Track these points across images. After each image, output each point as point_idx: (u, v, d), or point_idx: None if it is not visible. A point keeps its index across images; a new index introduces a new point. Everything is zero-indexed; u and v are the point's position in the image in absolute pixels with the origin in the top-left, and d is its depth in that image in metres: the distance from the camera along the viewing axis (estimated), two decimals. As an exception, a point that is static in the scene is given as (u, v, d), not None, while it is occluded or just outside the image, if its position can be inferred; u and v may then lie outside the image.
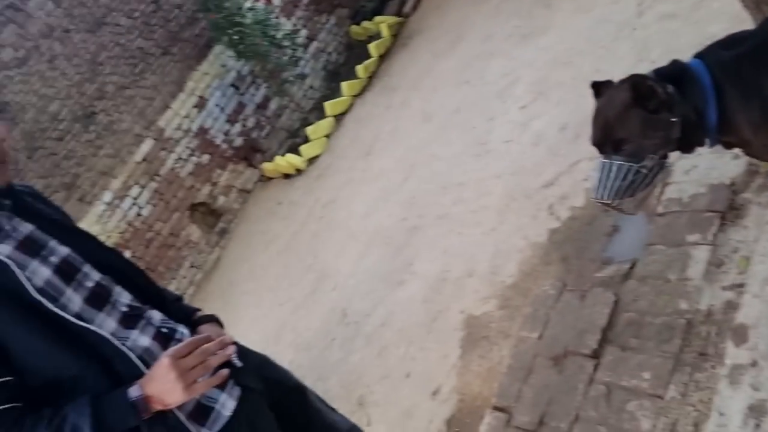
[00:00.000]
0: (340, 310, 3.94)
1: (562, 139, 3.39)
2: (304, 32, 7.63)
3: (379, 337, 3.40)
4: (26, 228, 1.29)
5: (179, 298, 1.62)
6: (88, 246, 1.40)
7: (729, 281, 2.03)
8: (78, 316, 1.24)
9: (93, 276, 1.35)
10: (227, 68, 7.06)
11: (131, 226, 6.30)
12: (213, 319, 1.56)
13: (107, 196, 6.19)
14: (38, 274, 1.23)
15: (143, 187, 6.45)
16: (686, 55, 1.65)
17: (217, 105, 6.96)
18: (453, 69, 5.35)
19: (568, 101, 3.57)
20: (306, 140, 6.74)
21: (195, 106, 6.84)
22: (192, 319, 1.53)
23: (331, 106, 6.78)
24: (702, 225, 2.26)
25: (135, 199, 6.39)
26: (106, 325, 1.29)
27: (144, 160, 6.50)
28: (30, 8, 6.02)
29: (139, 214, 6.38)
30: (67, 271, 1.29)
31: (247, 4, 6.72)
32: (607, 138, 1.59)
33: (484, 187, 3.68)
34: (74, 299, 1.27)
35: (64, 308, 1.23)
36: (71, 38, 6.23)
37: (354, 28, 7.86)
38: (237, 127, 7.08)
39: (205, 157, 6.84)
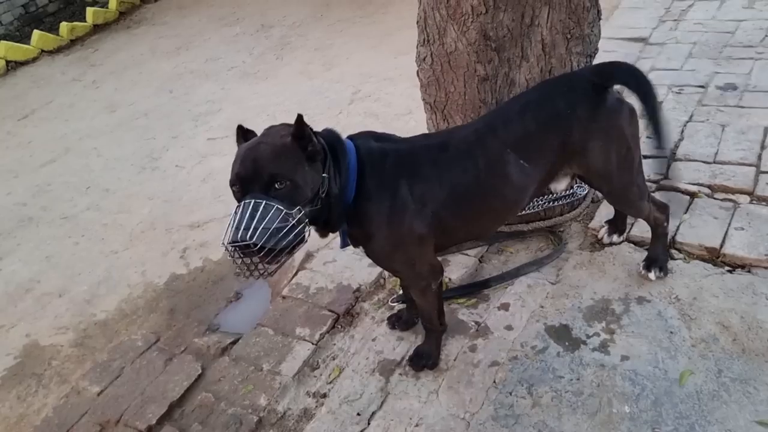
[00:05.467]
0: None
1: (231, 186, 3.10)
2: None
3: None
4: None
5: None
6: None
7: (315, 387, 1.86)
8: None
9: None
10: None
11: None
12: None
13: None
14: None
15: None
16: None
17: None
18: (163, 73, 4.80)
19: (255, 152, 3.33)
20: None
21: None
22: None
23: (7, 48, 5.56)
24: (315, 321, 2.10)
25: None
26: None
27: None
28: None
29: None
30: None
31: None
32: (258, 173, 1.31)
33: (130, 203, 3.16)
34: None
35: None
36: None
37: (82, -16, 6.80)
38: None
39: None
